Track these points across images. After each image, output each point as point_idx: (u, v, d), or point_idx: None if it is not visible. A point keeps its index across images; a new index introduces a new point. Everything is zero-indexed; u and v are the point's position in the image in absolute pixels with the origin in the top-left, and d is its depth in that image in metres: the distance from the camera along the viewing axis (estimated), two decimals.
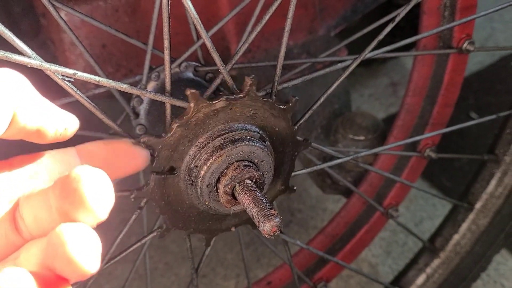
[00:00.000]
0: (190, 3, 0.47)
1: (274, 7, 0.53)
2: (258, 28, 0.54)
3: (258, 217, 0.48)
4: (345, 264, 0.94)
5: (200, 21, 0.48)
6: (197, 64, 0.70)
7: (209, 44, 0.50)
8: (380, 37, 0.61)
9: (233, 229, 0.62)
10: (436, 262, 0.99)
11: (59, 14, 0.55)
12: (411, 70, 0.90)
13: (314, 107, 0.61)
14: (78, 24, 0.91)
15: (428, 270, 1.00)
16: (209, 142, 0.52)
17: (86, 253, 0.33)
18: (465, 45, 0.80)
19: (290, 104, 0.55)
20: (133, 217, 0.61)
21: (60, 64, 0.44)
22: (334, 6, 1.11)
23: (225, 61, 0.53)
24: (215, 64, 0.52)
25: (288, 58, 1.02)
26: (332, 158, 0.72)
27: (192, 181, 0.53)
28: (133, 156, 0.46)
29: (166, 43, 0.49)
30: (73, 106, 0.46)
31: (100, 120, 0.50)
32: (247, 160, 0.53)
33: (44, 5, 0.52)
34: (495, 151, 0.93)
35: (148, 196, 0.53)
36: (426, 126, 0.91)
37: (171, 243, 1.38)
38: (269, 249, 1.23)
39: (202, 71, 0.71)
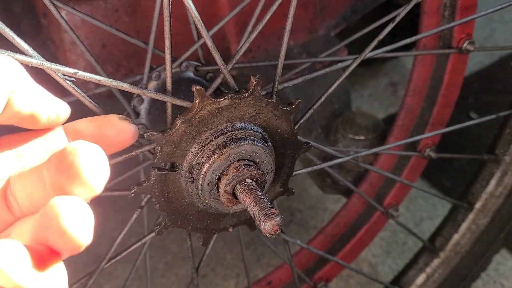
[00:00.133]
0: (191, 3, 0.47)
1: (274, 7, 0.53)
2: (259, 28, 0.54)
3: (259, 216, 0.48)
4: (345, 263, 0.94)
5: (201, 21, 0.48)
6: (197, 63, 0.71)
7: (210, 44, 0.50)
8: (380, 37, 0.61)
9: (231, 229, 0.62)
10: (436, 261, 0.99)
11: (60, 13, 0.55)
12: (411, 70, 0.90)
13: (314, 107, 0.62)
14: (79, 23, 0.91)
15: (428, 269, 1.00)
16: (212, 140, 0.52)
17: (80, 226, 0.33)
18: (465, 45, 0.80)
19: (293, 106, 0.56)
20: (134, 216, 0.61)
21: (61, 64, 0.44)
22: (334, 6, 1.11)
23: (226, 61, 0.53)
24: (215, 64, 0.52)
25: (288, 58, 1.02)
26: (332, 157, 0.72)
27: (193, 179, 0.53)
28: (120, 131, 0.46)
29: (167, 42, 0.50)
30: (74, 106, 0.46)
31: None
32: (248, 160, 0.53)
33: (44, 4, 0.52)
34: (495, 151, 0.93)
35: (148, 192, 0.53)
36: (426, 126, 0.91)
37: (171, 243, 1.38)
38: (269, 249, 1.23)
39: (202, 70, 0.71)
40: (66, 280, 0.36)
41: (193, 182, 0.53)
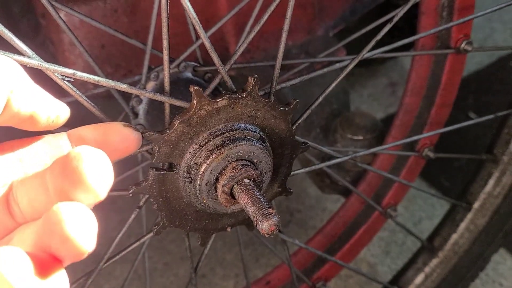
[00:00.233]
0: (189, 4, 0.47)
1: (272, 8, 0.54)
2: (257, 28, 0.54)
3: (257, 216, 0.48)
4: (344, 263, 0.94)
5: (199, 21, 0.49)
6: (196, 64, 0.71)
7: (208, 44, 0.51)
8: (378, 37, 0.61)
9: (229, 229, 0.62)
10: (434, 261, 1.00)
11: (58, 14, 0.56)
12: (409, 70, 0.90)
13: (313, 107, 0.62)
14: (77, 24, 0.91)
15: (427, 269, 1.00)
16: (210, 140, 0.52)
17: (83, 232, 0.33)
18: (463, 45, 0.80)
19: (291, 106, 0.56)
20: (132, 216, 0.61)
21: (59, 65, 0.44)
22: (332, 7, 1.11)
23: (224, 61, 0.53)
24: (214, 64, 0.52)
25: (287, 58, 1.02)
26: (331, 158, 0.72)
27: (191, 179, 0.53)
28: (124, 138, 0.46)
29: (165, 43, 0.50)
30: (72, 106, 0.46)
31: (99, 119, 0.51)
32: (246, 160, 0.53)
33: (43, 5, 0.52)
34: (493, 151, 0.93)
35: (146, 192, 0.54)
36: (424, 126, 0.91)
37: (170, 244, 1.38)
38: (268, 249, 1.23)
39: (201, 71, 0.71)
40: None
41: (191, 182, 0.54)
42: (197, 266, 0.69)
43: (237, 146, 0.52)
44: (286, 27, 0.54)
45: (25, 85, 0.39)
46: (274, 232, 0.48)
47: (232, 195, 0.53)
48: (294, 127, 0.58)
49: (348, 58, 0.65)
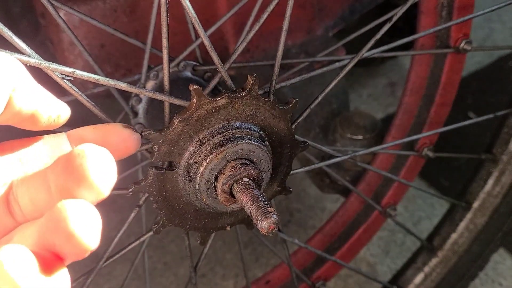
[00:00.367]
0: (188, 3, 0.48)
1: (271, 7, 0.54)
2: (256, 27, 0.54)
3: (256, 215, 0.48)
4: (344, 263, 0.94)
5: (198, 21, 0.49)
6: (195, 63, 0.71)
7: (207, 43, 0.51)
8: (377, 36, 0.61)
9: (228, 228, 0.62)
10: (434, 261, 1.00)
11: (58, 13, 0.56)
12: (409, 69, 0.91)
13: (312, 106, 0.62)
14: (77, 24, 0.91)
15: (426, 269, 1.00)
16: (209, 139, 0.52)
17: (88, 229, 0.33)
18: (462, 44, 0.80)
19: (290, 105, 0.56)
20: (132, 215, 0.61)
21: (59, 64, 0.44)
22: (332, 6, 1.11)
23: (224, 60, 0.54)
24: (213, 64, 0.53)
25: (286, 58, 1.02)
26: (331, 157, 0.73)
27: (191, 178, 0.53)
28: (124, 139, 0.46)
29: (165, 42, 0.50)
30: (72, 105, 0.46)
31: (99, 118, 0.51)
32: (245, 159, 0.53)
33: (43, 5, 0.52)
34: (492, 150, 0.93)
35: (146, 191, 0.54)
36: (423, 125, 0.91)
37: (170, 243, 1.38)
38: (268, 248, 1.23)
39: (200, 70, 0.71)
40: (69, 286, 0.36)
41: (190, 181, 0.54)
42: (197, 266, 0.69)
43: (236, 145, 0.52)
44: (285, 26, 0.54)
45: (27, 84, 0.39)
46: (274, 231, 0.48)
47: (231, 194, 0.53)
48: (293, 126, 0.58)
49: (347, 58, 0.65)
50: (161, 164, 0.54)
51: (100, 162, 0.35)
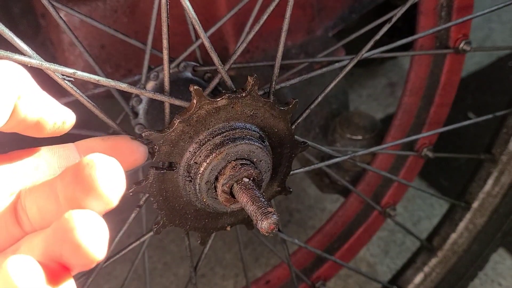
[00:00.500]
0: (188, 4, 0.48)
1: (271, 8, 0.54)
2: (256, 28, 0.55)
3: (256, 215, 0.48)
4: (344, 263, 0.94)
5: (198, 21, 0.49)
6: (195, 64, 0.71)
7: (207, 44, 0.51)
8: (377, 37, 0.62)
9: (228, 228, 0.62)
10: (433, 261, 1.00)
11: (59, 14, 0.56)
12: (408, 70, 0.91)
13: (312, 106, 0.62)
14: (77, 24, 0.91)
15: (426, 269, 1.00)
16: (209, 139, 0.52)
17: (95, 240, 0.33)
18: (461, 45, 0.81)
19: (290, 106, 0.56)
20: (132, 215, 0.61)
21: (60, 65, 0.44)
22: (332, 7, 1.11)
23: (224, 61, 0.54)
24: (213, 64, 0.53)
25: (286, 58, 1.02)
26: (330, 157, 0.73)
27: (191, 178, 0.54)
28: (131, 151, 0.46)
29: (165, 43, 0.50)
30: (72, 106, 0.46)
31: (100, 119, 0.51)
32: (245, 159, 0.54)
33: (43, 5, 0.52)
34: (492, 151, 0.93)
35: (146, 191, 0.54)
36: (423, 126, 0.92)
37: (170, 243, 1.38)
38: (268, 248, 1.23)
39: (200, 71, 0.71)
40: None
41: (191, 181, 0.54)
42: (197, 266, 0.69)
43: (236, 145, 0.52)
44: (285, 27, 0.54)
45: (33, 91, 0.39)
46: (274, 231, 0.48)
47: (231, 194, 0.53)
48: (293, 127, 0.59)
49: (347, 58, 0.66)
50: (162, 165, 0.55)
51: (109, 172, 0.35)
